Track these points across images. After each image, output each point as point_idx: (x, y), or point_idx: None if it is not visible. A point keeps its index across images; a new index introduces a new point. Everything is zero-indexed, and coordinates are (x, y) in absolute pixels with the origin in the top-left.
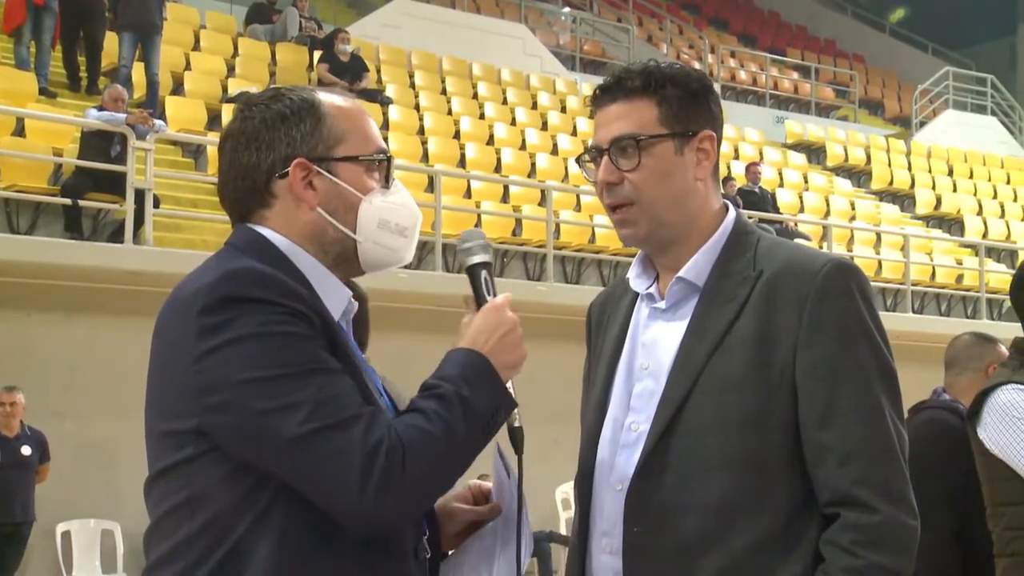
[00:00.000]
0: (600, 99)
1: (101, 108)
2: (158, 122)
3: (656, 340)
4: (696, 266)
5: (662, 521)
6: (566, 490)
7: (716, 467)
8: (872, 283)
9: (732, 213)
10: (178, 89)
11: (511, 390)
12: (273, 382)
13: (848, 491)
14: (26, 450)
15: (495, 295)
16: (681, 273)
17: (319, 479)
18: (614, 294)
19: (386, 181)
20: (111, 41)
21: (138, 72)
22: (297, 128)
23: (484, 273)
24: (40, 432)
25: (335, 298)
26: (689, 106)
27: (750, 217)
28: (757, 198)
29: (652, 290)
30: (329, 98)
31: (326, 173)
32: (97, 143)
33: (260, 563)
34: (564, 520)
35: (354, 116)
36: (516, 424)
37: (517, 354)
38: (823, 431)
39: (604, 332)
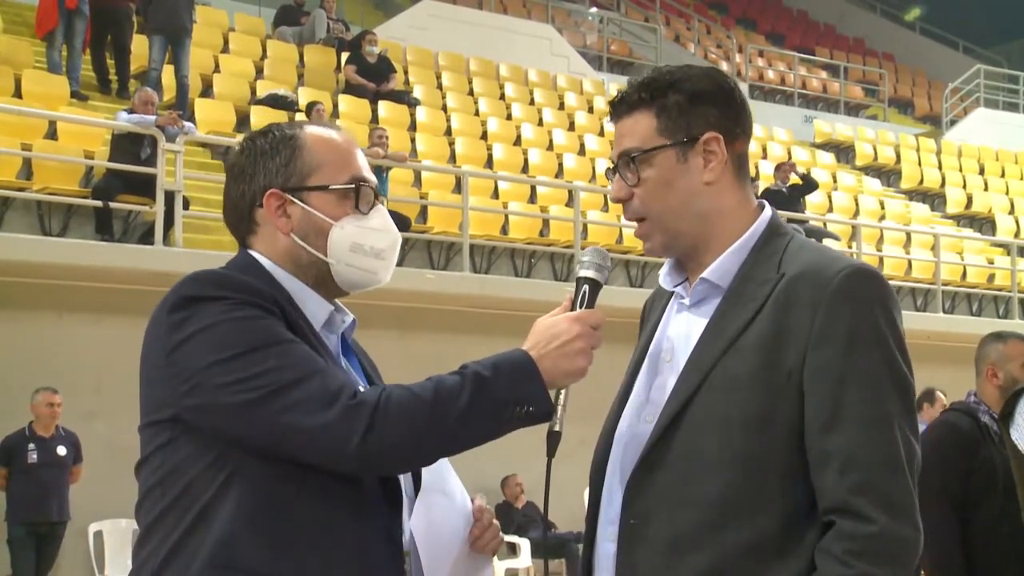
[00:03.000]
0: (612, 116)
1: (131, 111)
2: (187, 124)
3: (679, 335)
4: (721, 267)
5: (658, 514)
6: None
7: (716, 465)
8: (902, 283)
9: (766, 213)
10: (207, 91)
11: (562, 397)
12: (232, 360)
13: (845, 499)
14: (61, 450)
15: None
16: (705, 274)
17: (290, 431)
18: (660, 290)
19: (358, 206)
20: (141, 44)
21: (168, 75)
22: (273, 161)
23: (586, 287)
24: (73, 433)
25: (315, 309)
26: (692, 110)
27: None
28: (784, 198)
29: (680, 288)
30: (315, 131)
31: (298, 201)
32: (127, 145)
33: (219, 531)
34: None
35: (334, 147)
36: (556, 428)
37: (574, 364)
38: (827, 436)
39: (644, 327)
